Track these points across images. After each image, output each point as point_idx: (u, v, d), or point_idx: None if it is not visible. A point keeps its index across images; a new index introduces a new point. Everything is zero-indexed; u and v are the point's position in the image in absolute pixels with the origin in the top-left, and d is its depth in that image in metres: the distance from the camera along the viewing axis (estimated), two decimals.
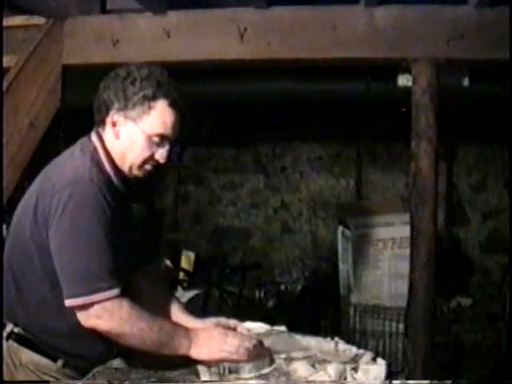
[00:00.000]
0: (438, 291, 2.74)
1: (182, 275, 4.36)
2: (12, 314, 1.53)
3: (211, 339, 1.49)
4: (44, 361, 1.53)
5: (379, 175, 5.55)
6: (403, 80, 2.79)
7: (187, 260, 4.69)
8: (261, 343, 1.56)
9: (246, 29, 2.69)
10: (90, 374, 1.48)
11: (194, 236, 5.81)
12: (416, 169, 2.59)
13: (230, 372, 1.45)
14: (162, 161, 1.54)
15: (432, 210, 2.57)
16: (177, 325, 1.56)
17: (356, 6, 2.65)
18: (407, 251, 2.70)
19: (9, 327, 1.52)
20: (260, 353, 1.51)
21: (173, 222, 5.78)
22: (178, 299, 1.76)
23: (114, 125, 1.52)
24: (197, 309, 1.81)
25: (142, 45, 2.78)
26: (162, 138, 1.52)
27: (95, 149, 1.53)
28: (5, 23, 2.59)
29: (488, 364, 3.56)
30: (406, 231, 2.83)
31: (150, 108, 1.49)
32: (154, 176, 1.63)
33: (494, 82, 3.30)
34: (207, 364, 1.48)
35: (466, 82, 2.94)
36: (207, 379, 1.43)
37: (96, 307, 1.39)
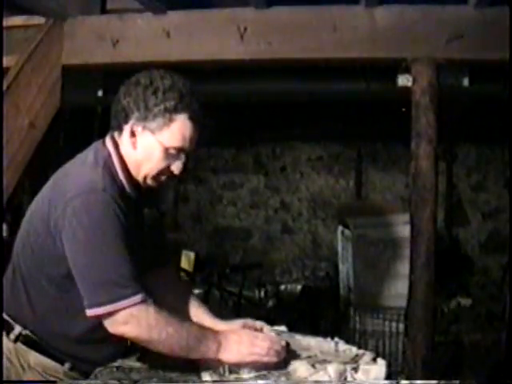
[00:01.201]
0: (438, 291, 2.74)
1: (181, 275, 4.36)
2: (21, 317, 1.54)
3: (241, 342, 1.47)
4: (51, 363, 1.53)
5: (379, 175, 5.55)
6: (403, 80, 2.79)
7: (187, 260, 4.69)
8: (287, 344, 1.56)
9: (246, 29, 2.69)
10: (92, 374, 1.48)
11: (194, 236, 5.82)
12: (416, 169, 2.59)
13: (230, 372, 1.45)
14: (177, 172, 1.51)
15: (432, 210, 2.57)
16: (204, 328, 1.53)
17: (356, 6, 2.65)
18: (407, 251, 2.70)
19: (17, 330, 1.53)
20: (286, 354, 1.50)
21: (173, 221, 5.78)
22: (200, 301, 1.72)
23: (132, 134, 1.49)
24: None
25: (141, 45, 2.78)
26: (180, 150, 1.49)
27: (109, 155, 1.50)
28: (5, 23, 2.59)
29: (488, 364, 3.56)
30: (406, 231, 2.83)
31: (170, 120, 1.46)
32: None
33: (494, 82, 3.30)
34: (237, 366, 1.46)
35: (465, 82, 2.94)
36: (207, 379, 1.43)
37: (122, 313, 1.37)
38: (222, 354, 1.44)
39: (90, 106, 4.10)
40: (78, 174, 1.49)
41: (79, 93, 3.23)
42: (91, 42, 2.82)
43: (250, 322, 1.63)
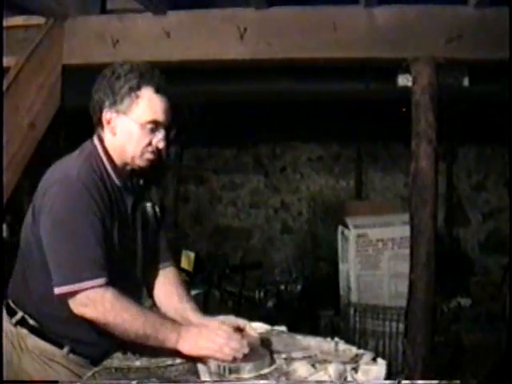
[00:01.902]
0: (438, 291, 2.74)
1: (181, 275, 4.35)
2: (21, 302, 1.64)
3: (200, 335, 1.51)
4: (49, 347, 1.61)
5: (379, 175, 5.55)
6: (403, 80, 2.78)
7: (187, 260, 4.68)
8: (264, 342, 1.56)
9: (245, 29, 2.69)
10: (90, 373, 1.49)
11: (194, 236, 5.82)
12: (416, 169, 2.59)
13: (230, 372, 1.45)
14: (160, 146, 1.60)
15: (432, 210, 2.57)
16: (167, 319, 1.58)
17: (356, 6, 2.65)
18: (407, 251, 2.70)
19: (19, 315, 1.63)
20: (257, 354, 1.50)
21: (173, 222, 5.78)
22: (192, 299, 1.78)
23: (108, 122, 1.59)
24: None
25: (141, 45, 2.78)
26: (156, 124, 1.58)
27: (95, 148, 1.61)
28: (5, 23, 2.59)
29: (488, 364, 3.56)
30: (405, 231, 2.83)
31: (137, 97, 1.56)
32: (158, 175, 1.71)
33: (494, 82, 3.29)
34: (197, 359, 1.50)
35: (466, 81, 2.94)
36: (207, 379, 1.43)
37: (80, 295, 1.46)
38: (179, 344, 1.49)
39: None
40: (60, 165, 1.60)
41: (79, 93, 3.22)
42: (91, 42, 2.82)
43: (231, 319, 1.65)
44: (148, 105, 1.57)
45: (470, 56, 2.61)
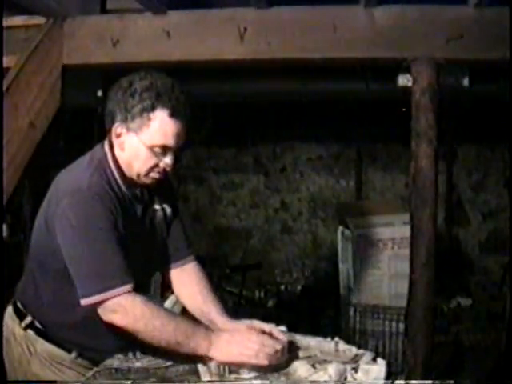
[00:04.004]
0: (438, 291, 2.74)
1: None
2: (31, 306, 1.65)
3: (232, 342, 1.48)
4: (57, 351, 1.62)
5: (379, 175, 5.55)
6: (403, 80, 2.78)
7: None
8: (291, 345, 1.55)
9: (245, 29, 2.69)
10: (90, 374, 1.49)
11: (194, 236, 5.82)
12: (416, 169, 2.59)
13: (230, 372, 1.45)
14: (167, 169, 1.57)
15: (432, 210, 2.57)
16: (198, 325, 1.55)
17: (356, 6, 2.65)
18: (407, 251, 2.69)
19: (28, 319, 1.64)
20: (284, 357, 1.49)
21: None
22: (216, 298, 1.76)
23: (117, 136, 1.56)
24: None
25: (142, 45, 2.78)
26: (165, 148, 1.54)
27: (105, 156, 1.59)
28: (5, 23, 2.59)
29: (488, 364, 3.56)
30: (406, 231, 2.83)
31: (149, 119, 1.51)
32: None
33: (494, 82, 3.29)
34: (229, 365, 1.47)
35: (466, 81, 2.94)
36: (207, 379, 1.43)
37: (110, 302, 1.45)
38: (212, 352, 1.47)
39: (90, 106, 4.11)
40: (71, 174, 1.59)
41: (79, 93, 3.23)
42: (91, 41, 2.82)
43: (257, 323, 1.63)
44: (159, 129, 1.52)
45: (470, 56, 2.60)
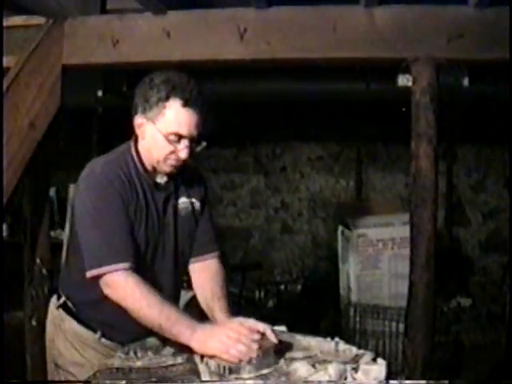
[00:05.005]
0: (438, 291, 2.74)
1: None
2: (64, 288, 1.83)
3: (210, 336, 1.51)
4: (83, 331, 1.76)
5: (379, 175, 5.55)
6: (403, 80, 2.79)
7: None
8: (283, 347, 1.56)
9: (246, 29, 2.69)
10: (91, 373, 1.49)
11: None
12: (416, 169, 2.58)
13: (230, 372, 1.45)
14: (183, 156, 1.68)
15: (432, 210, 2.57)
16: (185, 314, 1.59)
17: (356, 6, 2.65)
18: (407, 251, 2.69)
19: (62, 300, 1.81)
20: (264, 355, 1.49)
21: None
22: (224, 297, 1.81)
23: (139, 126, 1.71)
24: (197, 309, 1.82)
25: (142, 45, 2.77)
26: (179, 136, 1.65)
27: (129, 147, 1.75)
28: (5, 23, 2.59)
29: (488, 364, 3.56)
30: (406, 231, 2.83)
31: (164, 108, 1.64)
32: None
33: (494, 82, 3.30)
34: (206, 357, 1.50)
35: (466, 81, 2.94)
36: (207, 379, 1.43)
37: (106, 277, 1.58)
38: (192, 342, 1.52)
39: (90, 106, 4.11)
40: (91, 162, 1.74)
41: (79, 93, 3.23)
42: (91, 42, 2.82)
43: (251, 321, 1.62)
44: (173, 117, 1.64)
45: (470, 56, 2.60)
